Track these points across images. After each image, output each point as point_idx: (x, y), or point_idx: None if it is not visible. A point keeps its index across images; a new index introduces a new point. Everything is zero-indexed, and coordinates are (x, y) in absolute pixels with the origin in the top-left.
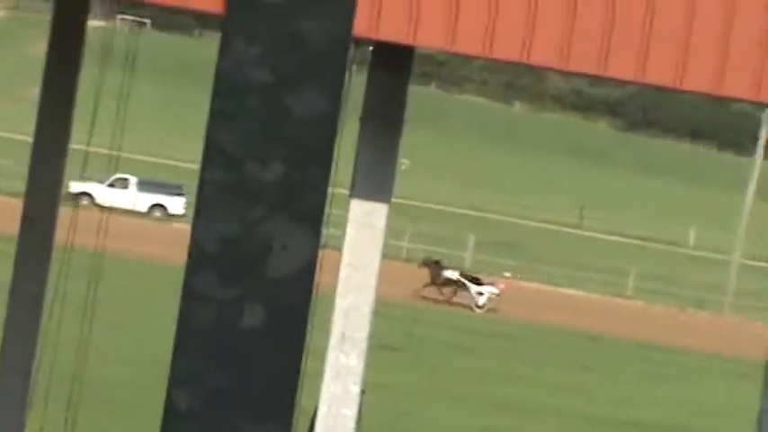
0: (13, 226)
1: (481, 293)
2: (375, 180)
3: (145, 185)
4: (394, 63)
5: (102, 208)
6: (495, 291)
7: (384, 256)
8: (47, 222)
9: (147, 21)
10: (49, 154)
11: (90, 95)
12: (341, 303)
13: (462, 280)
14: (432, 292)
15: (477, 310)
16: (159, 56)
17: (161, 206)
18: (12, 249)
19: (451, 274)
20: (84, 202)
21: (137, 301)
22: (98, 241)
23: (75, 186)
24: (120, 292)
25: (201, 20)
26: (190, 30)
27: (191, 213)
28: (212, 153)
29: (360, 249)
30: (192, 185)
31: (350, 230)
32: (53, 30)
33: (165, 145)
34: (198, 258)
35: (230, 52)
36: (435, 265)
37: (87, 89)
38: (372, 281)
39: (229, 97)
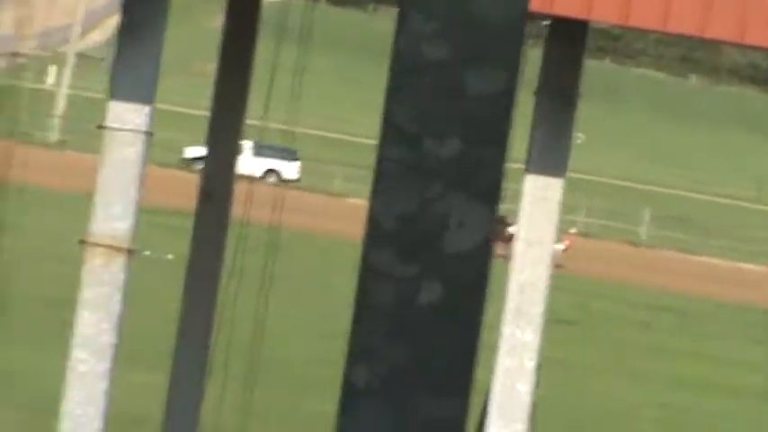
0: (191, 201)
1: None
2: (550, 155)
3: (260, 150)
4: (569, 38)
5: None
6: (561, 246)
7: (559, 230)
8: (224, 197)
9: None
10: (226, 129)
11: (266, 70)
12: (516, 278)
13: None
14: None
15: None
16: (333, 31)
17: (274, 171)
18: (190, 224)
19: (515, 230)
20: (200, 166)
21: (309, 275)
22: (274, 215)
23: (189, 152)
24: (292, 266)
25: None
26: (364, 4)
27: (306, 179)
28: (390, 130)
29: (535, 224)
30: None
31: (525, 205)
32: (230, 4)
33: (340, 120)
34: (376, 235)
35: (407, 30)
36: (500, 222)
37: (263, 63)
38: (547, 256)
39: (406, 75)
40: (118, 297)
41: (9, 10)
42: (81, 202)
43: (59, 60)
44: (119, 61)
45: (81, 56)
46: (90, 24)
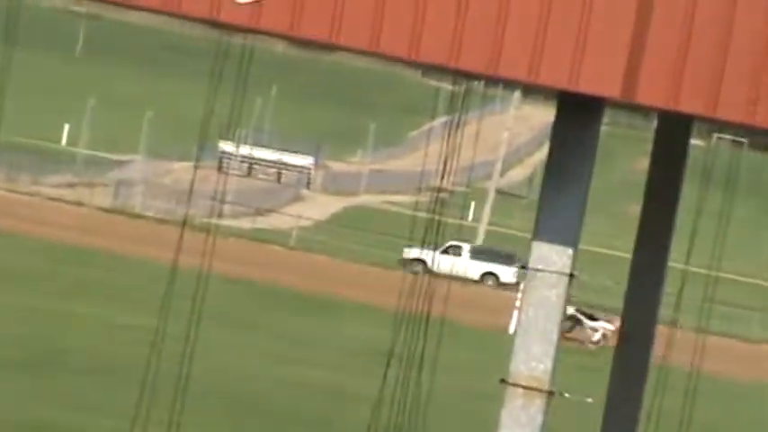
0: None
1: (596, 330)
2: None
3: (477, 254)
4: None
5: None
6: (611, 327)
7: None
8: (645, 339)
9: (744, 140)
10: (648, 272)
11: (689, 214)
12: None
13: (578, 315)
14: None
15: (591, 347)
16: (756, 176)
17: (492, 274)
18: (604, 364)
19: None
20: (418, 268)
21: (728, 423)
22: (695, 359)
23: (408, 252)
24: (711, 413)
25: None
26: None
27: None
28: None
29: None
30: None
31: None
32: (655, 147)
33: (758, 265)
34: None
35: None
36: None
37: (686, 207)
38: None
39: None
40: None
41: (435, 143)
42: (493, 338)
43: (479, 196)
44: (545, 203)
45: (501, 192)
46: (512, 161)
